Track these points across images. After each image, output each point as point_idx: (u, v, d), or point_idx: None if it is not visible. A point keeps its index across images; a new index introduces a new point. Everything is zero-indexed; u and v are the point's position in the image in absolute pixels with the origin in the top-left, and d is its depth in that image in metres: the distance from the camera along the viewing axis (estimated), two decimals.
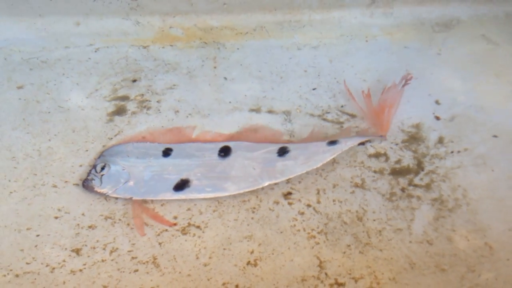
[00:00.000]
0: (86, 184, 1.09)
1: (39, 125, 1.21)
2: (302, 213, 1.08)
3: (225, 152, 1.13)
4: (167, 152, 1.13)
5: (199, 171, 1.10)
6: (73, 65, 1.31)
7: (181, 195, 1.08)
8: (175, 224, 1.06)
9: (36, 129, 1.20)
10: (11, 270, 1.00)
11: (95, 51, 1.34)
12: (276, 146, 1.14)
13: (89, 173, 1.10)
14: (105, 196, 1.09)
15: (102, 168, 1.10)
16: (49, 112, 1.23)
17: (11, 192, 1.10)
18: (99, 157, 1.13)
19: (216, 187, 1.08)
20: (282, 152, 1.13)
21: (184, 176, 1.09)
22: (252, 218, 1.07)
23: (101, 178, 1.08)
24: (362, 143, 1.19)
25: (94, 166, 1.10)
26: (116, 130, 1.20)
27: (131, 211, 1.07)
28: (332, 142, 1.14)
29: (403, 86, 1.21)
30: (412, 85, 1.27)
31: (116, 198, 1.09)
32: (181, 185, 1.09)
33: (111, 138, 1.19)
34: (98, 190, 1.08)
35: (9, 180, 1.12)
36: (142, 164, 1.11)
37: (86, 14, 1.35)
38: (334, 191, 1.11)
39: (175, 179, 1.09)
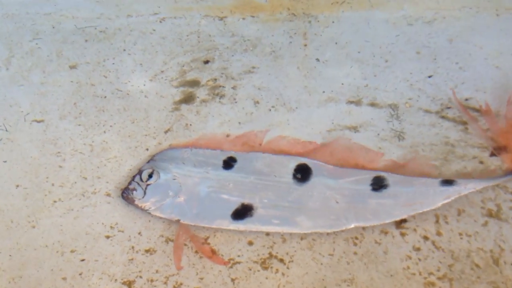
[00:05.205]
0: (125, 195, 0.91)
1: (93, 113, 1.04)
2: (418, 249, 0.87)
3: (302, 173, 0.92)
4: (229, 163, 0.93)
5: (266, 196, 0.91)
6: (135, 39, 1.13)
7: (240, 225, 0.90)
8: (227, 263, 0.87)
9: (88, 118, 1.03)
10: None
11: (160, 22, 1.14)
12: (370, 174, 0.93)
13: (131, 181, 0.92)
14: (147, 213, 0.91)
15: (150, 176, 0.91)
16: (105, 97, 1.05)
17: (55, 201, 0.93)
18: (148, 161, 0.95)
19: (285, 221, 0.89)
20: (378, 185, 0.91)
21: (246, 200, 0.90)
22: (355, 254, 0.86)
23: (145, 188, 0.90)
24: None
25: (140, 172, 0.92)
26: (183, 122, 1.01)
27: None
28: (447, 182, 0.91)
29: None
30: None
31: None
32: (242, 212, 0.90)
33: (166, 132, 1.00)
34: (139, 204, 0.90)
35: (53, 184, 0.95)
36: (198, 174, 0.92)
37: None
38: (459, 220, 0.90)
39: (235, 202, 0.91)
